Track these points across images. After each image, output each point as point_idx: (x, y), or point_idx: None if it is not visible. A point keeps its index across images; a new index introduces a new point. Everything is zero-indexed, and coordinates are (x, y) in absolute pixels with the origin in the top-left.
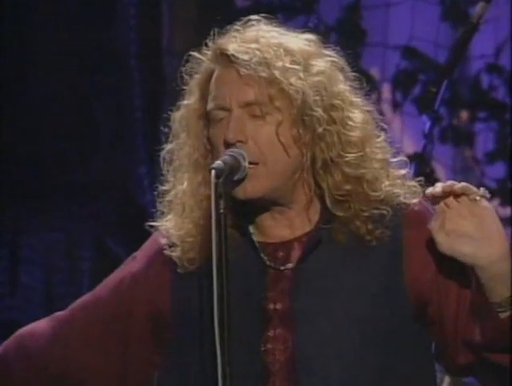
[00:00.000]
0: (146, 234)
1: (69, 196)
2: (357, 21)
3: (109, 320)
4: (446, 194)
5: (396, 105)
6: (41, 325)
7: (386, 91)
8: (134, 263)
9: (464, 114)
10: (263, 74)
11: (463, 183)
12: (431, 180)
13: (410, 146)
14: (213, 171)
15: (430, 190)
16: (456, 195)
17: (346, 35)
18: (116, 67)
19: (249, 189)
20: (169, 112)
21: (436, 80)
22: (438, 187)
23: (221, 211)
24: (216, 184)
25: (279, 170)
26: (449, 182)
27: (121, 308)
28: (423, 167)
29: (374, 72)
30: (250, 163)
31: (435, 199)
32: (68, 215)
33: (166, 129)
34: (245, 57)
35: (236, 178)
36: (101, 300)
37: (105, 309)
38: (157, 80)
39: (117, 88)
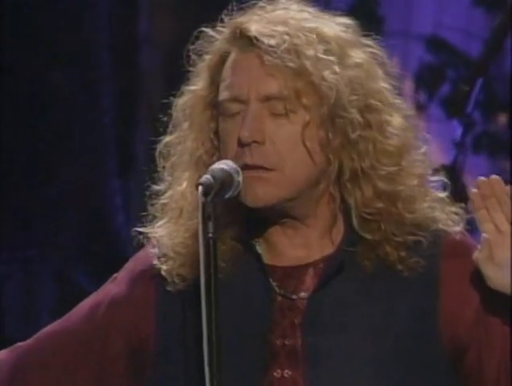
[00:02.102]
0: (119, 263)
1: (24, 218)
2: (374, 6)
3: (80, 351)
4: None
5: (419, 107)
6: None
7: (407, 90)
8: (114, 285)
9: (502, 118)
10: (291, 64)
11: None
12: (462, 198)
13: (437, 157)
14: (200, 187)
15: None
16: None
17: (360, 23)
18: (83, 60)
19: (261, 196)
20: (170, 98)
21: (469, 78)
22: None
23: (210, 235)
24: (204, 203)
25: (300, 180)
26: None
27: (96, 337)
28: (453, 182)
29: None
30: (265, 169)
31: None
32: (24, 241)
33: (165, 118)
34: (271, 42)
35: (227, 195)
36: (71, 328)
37: (75, 338)
38: (132, 76)
39: (84, 85)
